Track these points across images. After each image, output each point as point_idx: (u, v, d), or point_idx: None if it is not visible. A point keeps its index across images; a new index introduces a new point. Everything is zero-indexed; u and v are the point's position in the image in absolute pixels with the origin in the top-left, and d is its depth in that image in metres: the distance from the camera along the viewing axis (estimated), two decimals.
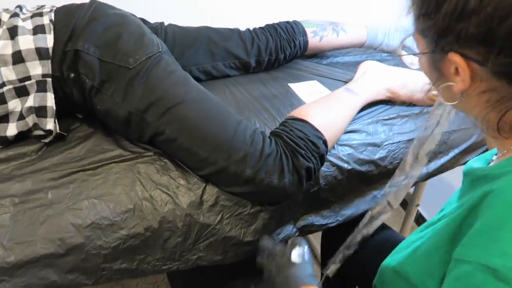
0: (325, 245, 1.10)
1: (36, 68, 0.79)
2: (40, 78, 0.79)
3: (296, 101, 1.02)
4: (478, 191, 0.47)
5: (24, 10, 0.86)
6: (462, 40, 0.44)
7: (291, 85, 1.08)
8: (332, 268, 0.85)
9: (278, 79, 1.11)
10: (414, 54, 0.54)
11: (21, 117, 0.81)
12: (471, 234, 0.43)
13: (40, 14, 0.82)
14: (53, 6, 0.86)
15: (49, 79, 0.79)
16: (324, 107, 0.88)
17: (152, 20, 1.04)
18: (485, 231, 0.41)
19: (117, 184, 0.78)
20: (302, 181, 0.79)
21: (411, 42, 0.61)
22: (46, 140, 0.83)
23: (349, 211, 0.94)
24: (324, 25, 1.17)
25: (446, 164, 1.01)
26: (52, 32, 0.80)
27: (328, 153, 0.86)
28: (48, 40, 0.79)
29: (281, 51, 1.12)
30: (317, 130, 0.81)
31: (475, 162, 0.62)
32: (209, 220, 0.78)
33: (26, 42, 0.78)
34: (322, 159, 0.82)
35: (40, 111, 0.81)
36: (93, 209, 0.74)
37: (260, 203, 0.81)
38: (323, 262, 0.97)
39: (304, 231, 0.90)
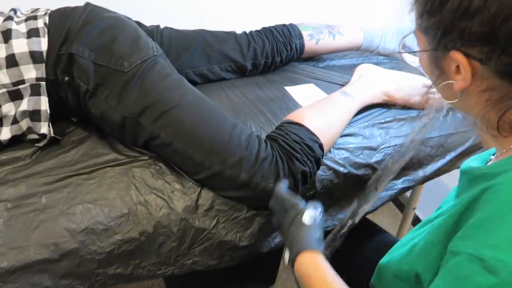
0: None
1: (30, 72, 0.78)
2: (34, 82, 0.79)
3: (293, 105, 1.02)
4: (476, 189, 0.47)
5: (18, 13, 0.85)
6: (465, 38, 0.44)
7: (288, 88, 1.08)
8: None
9: (274, 82, 1.10)
10: (415, 52, 0.53)
11: (15, 121, 0.80)
12: (467, 227, 0.43)
13: (34, 18, 0.81)
14: (48, 9, 0.86)
15: (43, 83, 0.79)
16: (320, 110, 0.87)
17: (147, 23, 1.03)
18: (480, 225, 0.42)
19: (112, 188, 0.77)
20: (297, 185, 0.79)
21: (410, 42, 0.61)
22: (40, 144, 0.83)
23: (345, 215, 0.94)
24: (320, 28, 1.17)
25: (443, 167, 1.01)
26: (46, 35, 0.79)
27: (324, 157, 0.85)
28: (42, 44, 0.78)
29: (278, 54, 1.12)
30: (313, 134, 0.81)
31: (473, 161, 0.62)
32: (205, 225, 0.78)
33: (20, 46, 0.77)
34: (318, 163, 0.81)
35: (34, 115, 0.80)
36: (88, 213, 0.74)
37: (256, 207, 0.81)
38: None
39: None
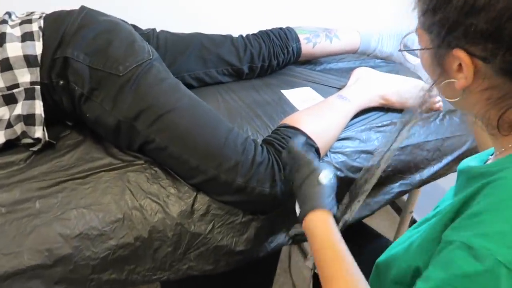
0: None
1: (25, 76, 0.78)
2: (29, 86, 0.78)
3: (289, 108, 1.01)
4: (474, 186, 0.47)
5: (13, 17, 0.85)
6: (469, 36, 0.44)
7: (284, 91, 1.08)
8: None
9: (271, 86, 1.10)
10: (418, 50, 0.53)
11: (9, 125, 0.80)
12: (462, 218, 0.44)
13: (29, 21, 0.81)
14: (43, 13, 0.85)
15: (37, 87, 0.78)
16: (316, 114, 0.87)
17: (144, 26, 1.03)
18: (474, 216, 0.43)
19: (107, 193, 0.76)
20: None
21: (411, 41, 0.61)
22: (35, 148, 0.82)
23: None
24: (317, 31, 1.16)
25: (439, 171, 1.01)
26: (41, 39, 0.79)
27: (321, 161, 0.85)
28: (37, 47, 0.78)
29: (274, 57, 1.11)
30: (309, 138, 0.81)
31: (471, 161, 0.62)
32: (200, 229, 0.77)
33: (14, 50, 0.77)
34: None
35: (29, 119, 0.80)
36: (82, 218, 0.73)
37: (251, 212, 0.80)
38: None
39: (297, 240, 0.89)
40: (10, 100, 0.78)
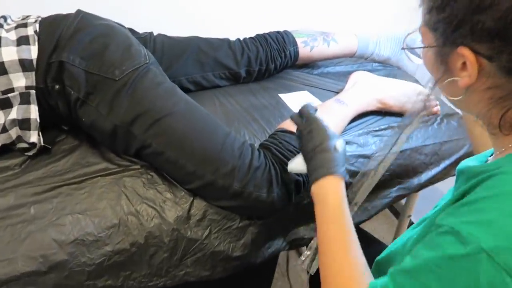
0: None
1: (20, 80, 0.77)
2: (24, 90, 0.77)
3: (287, 112, 1.01)
4: (474, 180, 0.47)
5: (8, 21, 0.84)
6: (476, 33, 0.44)
7: (282, 95, 1.07)
8: (313, 265, 0.81)
9: (268, 90, 1.10)
10: (422, 48, 0.53)
11: (4, 129, 0.79)
12: (456, 205, 0.45)
13: (25, 25, 0.80)
14: (39, 17, 0.85)
15: (32, 91, 0.78)
16: None
17: (141, 30, 1.03)
18: (468, 204, 0.44)
19: (102, 198, 0.76)
20: (291, 194, 0.78)
21: (412, 41, 0.60)
22: (30, 153, 0.82)
23: None
24: (314, 35, 1.16)
25: (437, 175, 1.01)
26: (36, 43, 0.78)
27: None
28: (32, 52, 0.77)
29: (272, 61, 1.11)
30: None
31: (470, 161, 0.62)
32: (197, 235, 0.77)
33: (9, 54, 0.76)
34: None
35: (24, 123, 0.79)
36: (77, 224, 0.72)
37: (248, 217, 0.80)
38: None
39: (295, 245, 0.89)
40: (5, 104, 0.78)
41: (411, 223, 1.80)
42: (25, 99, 0.78)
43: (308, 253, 0.78)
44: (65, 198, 0.75)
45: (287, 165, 0.77)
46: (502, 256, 0.37)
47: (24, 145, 0.81)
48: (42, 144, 0.80)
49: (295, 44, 1.13)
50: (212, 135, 0.78)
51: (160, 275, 0.76)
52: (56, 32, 0.80)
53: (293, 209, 0.84)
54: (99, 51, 0.79)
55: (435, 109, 1.02)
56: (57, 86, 0.79)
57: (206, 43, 1.06)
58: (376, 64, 1.26)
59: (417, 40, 0.57)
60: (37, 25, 0.81)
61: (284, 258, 1.53)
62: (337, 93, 1.05)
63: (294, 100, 1.06)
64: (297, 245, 0.89)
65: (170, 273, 0.77)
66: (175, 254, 0.76)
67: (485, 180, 0.46)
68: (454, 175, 0.64)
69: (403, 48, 0.61)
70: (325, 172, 0.61)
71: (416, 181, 0.99)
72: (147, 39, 1.01)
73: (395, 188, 0.97)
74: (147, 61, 0.82)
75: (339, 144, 0.65)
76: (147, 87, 0.79)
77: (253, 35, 1.13)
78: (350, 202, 0.85)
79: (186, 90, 1.02)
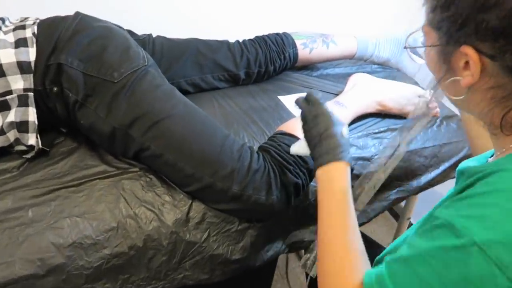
0: None
1: (18, 82, 0.77)
2: (22, 93, 0.77)
3: (286, 114, 1.01)
4: (474, 177, 0.48)
5: (7, 23, 0.84)
6: (480, 32, 0.44)
7: (281, 97, 1.07)
8: (314, 267, 0.81)
9: (267, 92, 1.09)
10: (425, 47, 0.53)
11: (2, 132, 0.79)
12: (453, 199, 0.46)
13: (23, 27, 0.80)
14: (37, 19, 0.84)
15: (31, 94, 0.77)
16: None
17: (140, 31, 1.02)
18: (466, 198, 0.44)
19: (101, 201, 0.76)
20: (290, 197, 0.78)
21: (414, 42, 0.60)
22: (28, 156, 0.81)
23: None
24: (314, 37, 1.16)
25: (437, 177, 1.00)
26: (34, 45, 0.78)
27: None
28: (31, 54, 0.77)
29: (271, 63, 1.11)
30: None
31: (470, 162, 0.62)
32: (196, 238, 0.76)
33: (7, 56, 0.76)
34: (311, 174, 0.80)
35: (22, 126, 0.79)
36: (75, 227, 0.72)
37: (248, 219, 0.79)
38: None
39: (294, 248, 0.89)
40: (3, 107, 0.77)
41: (410, 226, 1.79)
42: (23, 101, 0.78)
43: (309, 255, 0.78)
44: (63, 201, 0.75)
45: (286, 167, 0.77)
46: (494, 250, 0.38)
47: (22, 147, 0.81)
48: (40, 146, 0.80)
49: (294, 46, 1.13)
50: (211, 138, 0.78)
51: (159, 279, 0.76)
52: (54, 34, 0.79)
53: (292, 212, 0.84)
54: (98, 53, 0.79)
55: (434, 111, 1.02)
56: (55, 89, 0.79)
57: (205, 45, 1.06)
58: (376, 66, 1.25)
59: (418, 40, 0.57)
60: (35, 27, 0.80)
61: (283, 260, 1.53)
62: (337, 95, 1.05)
63: (294, 102, 1.06)
64: (297, 248, 0.89)
65: (169, 276, 0.76)
66: (174, 257, 0.76)
67: (485, 177, 0.46)
68: (453, 177, 0.64)
69: (405, 47, 0.61)
70: (332, 158, 0.61)
71: (415, 183, 0.99)
72: (146, 41, 1.00)
73: (394, 191, 0.97)
74: (146, 63, 0.81)
75: (345, 130, 0.66)
76: (146, 89, 0.78)
77: (252, 37, 1.13)
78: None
79: (185, 92, 1.02)
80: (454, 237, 0.40)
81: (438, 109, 1.03)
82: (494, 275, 0.38)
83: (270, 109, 1.02)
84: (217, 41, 1.08)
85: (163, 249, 0.75)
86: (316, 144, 0.64)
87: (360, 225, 0.94)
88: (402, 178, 0.96)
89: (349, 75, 1.11)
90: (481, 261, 0.38)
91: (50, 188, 0.76)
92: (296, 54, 1.14)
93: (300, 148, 0.70)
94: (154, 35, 1.04)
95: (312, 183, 0.84)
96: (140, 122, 0.76)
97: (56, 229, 0.71)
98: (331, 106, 0.93)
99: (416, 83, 1.18)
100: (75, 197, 0.76)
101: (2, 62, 0.75)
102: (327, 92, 1.12)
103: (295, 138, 0.80)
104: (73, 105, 0.79)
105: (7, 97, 0.77)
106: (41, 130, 0.81)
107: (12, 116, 0.78)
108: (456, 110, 1.06)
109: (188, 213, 0.77)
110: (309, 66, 1.23)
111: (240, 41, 1.11)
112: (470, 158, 0.65)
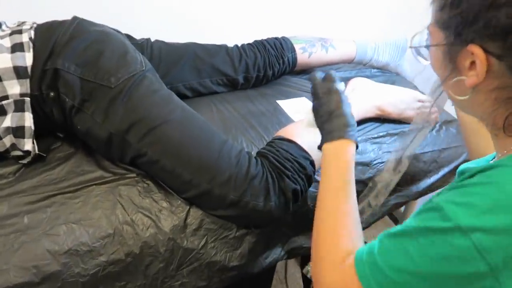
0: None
1: (14, 87, 0.76)
2: (18, 98, 0.77)
3: (284, 119, 1.00)
4: (473, 171, 0.48)
5: (3, 27, 0.83)
6: (489, 30, 0.44)
7: (280, 102, 1.07)
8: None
9: (266, 96, 1.09)
10: (430, 46, 0.53)
11: None
12: (450, 186, 0.48)
13: (19, 32, 0.79)
14: (34, 23, 0.84)
15: (27, 99, 0.77)
16: (311, 126, 0.86)
17: (138, 36, 1.02)
18: (460, 187, 0.46)
19: (97, 207, 0.75)
20: (288, 203, 0.77)
21: (418, 43, 0.60)
22: (25, 161, 0.80)
23: None
24: (313, 41, 1.16)
25: (436, 182, 1.00)
26: (31, 50, 0.77)
27: (316, 173, 0.84)
28: (27, 59, 0.76)
29: (270, 67, 1.10)
30: (304, 151, 0.79)
31: (471, 164, 0.62)
32: (193, 245, 0.76)
33: (3, 61, 0.75)
34: (309, 180, 0.80)
35: (18, 131, 0.78)
36: (71, 234, 0.71)
37: (246, 226, 0.79)
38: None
39: (293, 254, 0.88)
40: None
41: None
42: (19, 106, 0.77)
43: None
44: (59, 208, 0.74)
45: (284, 173, 0.76)
46: (477, 236, 0.40)
47: (19, 153, 0.80)
48: (37, 152, 0.79)
49: (293, 50, 1.13)
50: (209, 143, 0.77)
51: (156, 286, 0.75)
52: (51, 39, 0.79)
53: (291, 218, 0.83)
54: (94, 58, 0.78)
55: (434, 115, 1.01)
56: (52, 94, 0.78)
57: (203, 49, 1.05)
58: (375, 70, 1.25)
59: (422, 41, 0.57)
60: (32, 32, 0.80)
61: (282, 265, 1.52)
62: None
63: (292, 106, 1.05)
64: (296, 254, 0.88)
65: (166, 283, 0.75)
66: (171, 264, 0.75)
67: (486, 170, 0.46)
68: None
69: (410, 47, 0.61)
70: (342, 135, 0.63)
71: (414, 188, 0.99)
72: (144, 46, 1.00)
73: (393, 196, 0.96)
74: (143, 68, 0.81)
75: (354, 111, 0.68)
76: (143, 94, 0.78)
77: (251, 41, 1.13)
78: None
79: (183, 97, 1.01)
80: (442, 220, 0.42)
81: (437, 114, 1.02)
82: (474, 258, 0.40)
83: (268, 113, 1.02)
84: (215, 45, 1.08)
85: (160, 256, 0.74)
86: (325, 121, 0.66)
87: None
88: (402, 183, 0.95)
89: (348, 79, 1.10)
90: (463, 244, 0.40)
91: (46, 194, 0.76)
92: (295, 59, 1.13)
93: (309, 124, 0.71)
94: (152, 40, 1.04)
95: (311, 189, 0.83)
96: (137, 127, 0.76)
97: (52, 236, 0.70)
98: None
99: (415, 87, 1.17)
100: (71, 203, 0.75)
101: None
102: None
103: (293, 144, 0.80)
104: (69, 110, 0.79)
105: (3, 102, 0.76)
106: (38, 135, 0.80)
107: (8, 121, 0.77)
108: (455, 115, 1.05)
109: (185, 219, 0.76)
110: (308, 71, 1.22)
111: (239, 45, 1.10)
112: (471, 161, 0.64)
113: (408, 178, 0.96)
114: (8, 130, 0.77)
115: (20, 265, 0.67)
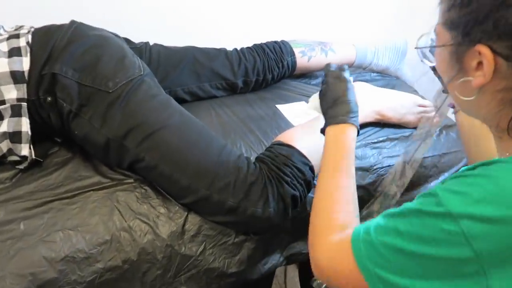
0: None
1: (11, 92, 0.75)
2: (15, 103, 0.76)
3: (284, 123, 0.99)
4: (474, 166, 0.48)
5: (1, 31, 0.83)
6: (498, 30, 0.44)
7: (279, 106, 1.06)
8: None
9: (265, 100, 1.08)
10: (437, 47, 0.53)
11: None
12: (452, 176, 0.49)
13: (17, 36, 0.79)
14: (32, 27, 0.84)
15: (24, 104, 0.76)
16: (311, 131, 0.85)
17: (137, 39, 1.01)
18: (460, 177, 0.47)
19: (94, 213, 0.74)
20: (287, 209, 0.76)
21: (423, 44, 0.60)
22: (21, 166, 0.80)
23: None
24: (312, 45, 1.15)
25: None
26: (28, 54, 0.77)
27: (315, 179, 0.83)
28: (24, 63, 0.76)
29: (269, 71, 1.10)
30: (303, 156, 0.79)
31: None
32: (191, 251, 0.75)
33: (0, 65, 0.74)
34: (308, 185, 0.79)
35: (15, 136, 0.77)
36: (68, 241, 0.71)
37: (245, 232, 0.78)
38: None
39: (292, 260, 0.87)
40: None
41: None
42: (16, 111, 0.77)
43: None
44: (56, 214, 0.73)
45: (283, 179, 0.76)
46: (466, 222, 0.41)
47: (15, 158, 0.79)
48: (34, 157, 0.79)
49: (292, 54, 1.12)
50: (207, 149, 0.77)
51: None
52: (49, 43, 0.78)
53: (290, 224, 0.83)
54: (92, 63, 0.78)
55: (434, 120, 1.00)
56: (49, 98, 0.77)
57: (202, 53, 1.05)
58: (375, 74, 1.24)
59: (427, 43, 0.58)
60: (30, 36, 0.79)
61: (282, 269, 1.51)
62: None
63: (292, 111, 1.05)
64: (295, 260, 0.87)
65: None
66: (169, 271, 0.74)
67: (487, 164, 0.46)
68: None
69: (416, 48, 0.61)
70: (345, 120, 0.67)
71: (415, 193, 0.98)
72: (143, 49, 0.99)
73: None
74: (141, 73, 0.80)
75: (359, 99, 0.72)
76: (141, 99, 0.77)
77: (250, 45, 1.12)
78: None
79: (182, 101, 1.01)
80: (435, 205, 0.44)
81: (438, 118, 1.01)
82: (461, 244, 0.41)
83: (268, 118, 1.01)
84: (214, 49, 1.07)
85: (158, 262, 0.73)
86: (331, 106, 0.70)
87: None
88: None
89: None
90: (452, 229, 0.42)
91: (43, 200, 0.75)
92: (294, 62, 1.13)
93: (315, 108, 0.76)
94: (151, 43, 1.03)
95: (310, 194, 0.82)
96: (135, 133, 0.75)
97: (48, 243, 0.70)
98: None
99: (415, 91, 1.17)
100: (69, 209, 0.74)
101: None
102: None
103: (292, 149, 0.79)
104: (67, 115, 0.78)
105: (0, 107, 0.76)
106: (36, 139, 0.80)
107: (4, 126, 0.76)
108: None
109: (183, 225, 0.76)
110: (307, 74, 1.22)
111: (238, 49, 1.10)
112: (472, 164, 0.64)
113: (409, 183, 0.95)
114: (5, 135, 0.77)
115: (16, 272, 0.67)
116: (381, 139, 0.97)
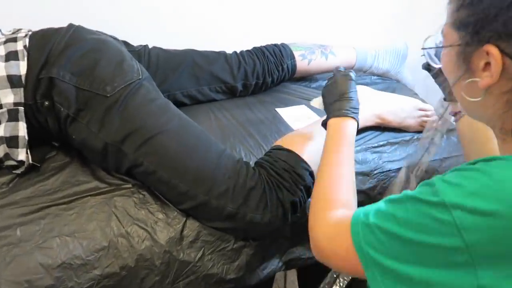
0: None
1: (8, 96, 0.75)
2: (12, 107, 0.75)
3: (283, 127, 0.99)
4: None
5: None
6: (508, 30, 0.44)
7: (279, 110, 1.05)
8: None
9: (265, 103, 1.08)
10: (444, 47, 0.53)
11: None
12: (453, 169, 0.49)
13: (14, 40, 0.78)
14: (29, 30, 0.83)
15: (21, 108, 0.76)
16: (311, 136, 0.84)
17: (136, 42, 1.01)
18: (459, 170, 0.47)
19: (92, 219, 0.73)
20: (287, 215, 0.75)
21: (430, 44, 0.60)
22: (18, 171, 0.79)
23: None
24: (312, 48, 1.15)
25: None
26: (25, 58, 0.76)
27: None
28: (21, 67, 0.75)
29: (269, 74, 1.09)
30: (303, 161, 0.78)
31: None
32: (190, 257, 0.74)
33: None
34: (308, 191, 0.78)
35: (12, 141, 0.77)
36: (65, 247, 0.70)
37: (244, 237, 0.77)
38: None
39: (291, 265, 0.86)
40: None
41: None
42: (13, 116, 0.76)
43: (328, 280, 0.80)
44: (53, 220, 0.73)
45: (282, 185, 0.75)
46: (458, 213, 0.42)
47: (12, 162, 0.79)
48: (31, 162, 0.78)
49: (292, 57, 1.11)
50: (206, 154, 0.76)
51: None
52: (46, 47, 0.78)
53: (289, 229, 0.82)
54: (90, 67, 0.77)
55: (435, 124, 1.00)
56: (46, 103, 0.77)
57: (201, 57, 1.04)
58: (375, 77, 1.24)
59: (433, 45, 0.58)
60: (27, 40, 0.78)
61: (282, 273, 1.50)
62: None
63: (292, 114, 1.04)
64: (294, 265, 0.87)
65: None
66: (167, 278, 0.73)
67: (487, 160, 0.47)
68: None
69: (422, 48, 0.61)
70: (347, 113, 0.71)
71: None
72: (142, 53, 0.99)
73: None
74: (140, 77, 0.79)
75: (361, 97, 0.77)
76: (139, 104, 0.77)
77: (250, 48, 1.11)
78: None
79: (181, 104, 1.00)
80: (431, 195, 0.45)
81: (439, 122, 1.01)
82: (452, 233, 0.42)
83: (267, 121, 1.00)
84: (214, 52, 1.07)
85: (156, 269, 0.73)
86: (337, 99, 0.74)
87: None
88: None
89: None
90: (444, 218, 0.43)
91: (40, 206, 0.74)
92: (294, 66, 1.12)
93: (319, 104, 0.82)
94: (150, 46, 1.02)
95: (309, 200, 0.82)
96: (133, 137, 0.74)
97: (45, 249, 0.69)
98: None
99: (415, 95, 1.16)
100: (66, 215, 0.73)
101: None
102: None
103: (292, 154, 0.78)
104: (64, 120, 0.77)
105: None
106: (33, 144, 0.79)
107: (1, 131, 0.76)
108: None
109: (182, 231, 0.75)
110: (307, 78, 1.21)
111: (238, 52, 1.09)
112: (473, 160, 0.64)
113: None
114: (2, 140, 0.76)
115: (12, 279, 0.66)
116: (381, 143, 0.96)
